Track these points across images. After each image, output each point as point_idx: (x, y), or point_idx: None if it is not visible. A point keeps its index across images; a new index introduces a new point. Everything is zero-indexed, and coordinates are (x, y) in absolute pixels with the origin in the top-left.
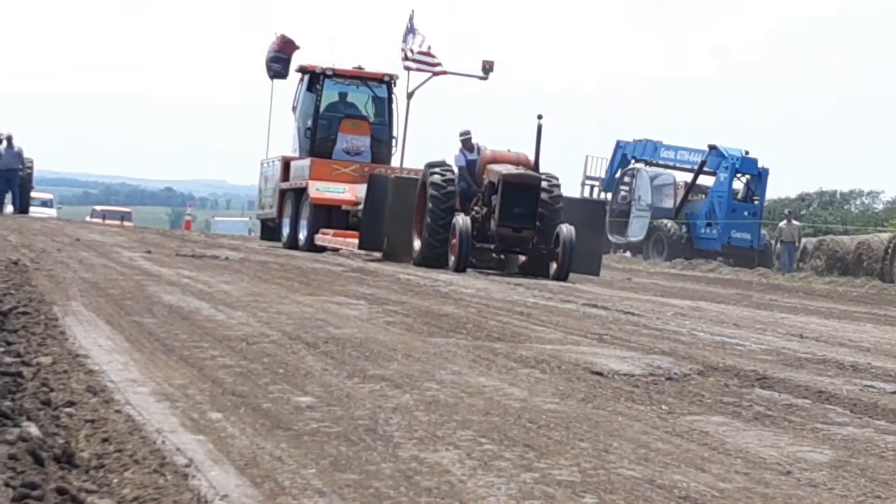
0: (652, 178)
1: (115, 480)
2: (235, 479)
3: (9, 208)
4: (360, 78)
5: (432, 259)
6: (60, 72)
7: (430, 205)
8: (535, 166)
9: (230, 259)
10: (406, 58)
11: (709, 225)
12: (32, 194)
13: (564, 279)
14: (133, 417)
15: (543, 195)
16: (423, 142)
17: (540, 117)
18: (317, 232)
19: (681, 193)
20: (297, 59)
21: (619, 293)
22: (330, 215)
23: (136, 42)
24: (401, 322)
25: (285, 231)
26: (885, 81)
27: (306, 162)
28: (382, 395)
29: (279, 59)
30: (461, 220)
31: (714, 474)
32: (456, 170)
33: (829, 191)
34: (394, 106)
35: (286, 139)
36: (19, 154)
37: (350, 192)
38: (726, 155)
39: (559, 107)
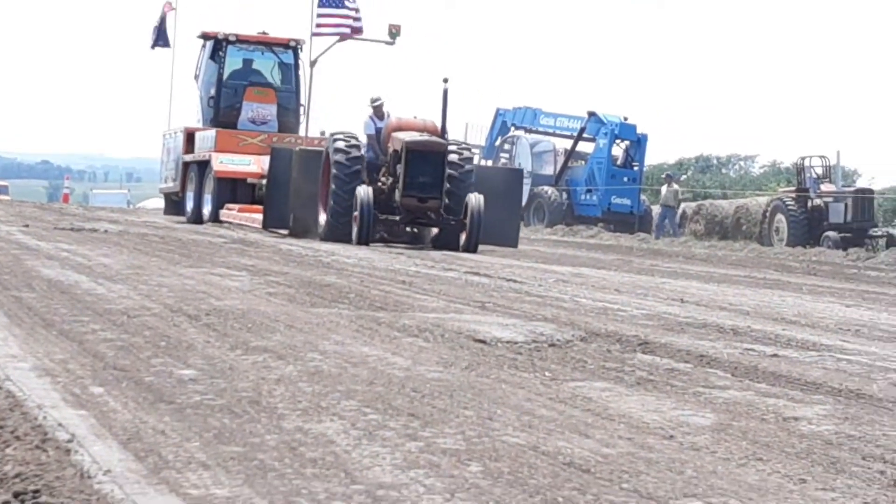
0: (532, 146)
1: None
2: (118, 453)
3: None
4: (264, 44)
5: (338, 233)
6: None
7: (333, 176)
8: (442, 133)
9: (109, 232)
10: (319, 24)
11: (589, 191)
12: None
13: (474, 250)
14: (13, 393)
15: (452, 163)
16: (330, 111)
17: (445, 81)
18: (222, 207)
19: (561, 160)
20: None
21: (501, 261)
22: (235, 189)
23: (7, 14)
24: (283, 293)
25: (189, 206)
26: (760, 48)
27: (211, 133)
28: (266, 366)
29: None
30: (363, 191)
31: (598, 440)
32: (364, 138)
33: (707, 156)
34: (301, 72)
35: (187, 110)
36: None
37: (256, 165)
38: (605, 121)
39: (459, 72)
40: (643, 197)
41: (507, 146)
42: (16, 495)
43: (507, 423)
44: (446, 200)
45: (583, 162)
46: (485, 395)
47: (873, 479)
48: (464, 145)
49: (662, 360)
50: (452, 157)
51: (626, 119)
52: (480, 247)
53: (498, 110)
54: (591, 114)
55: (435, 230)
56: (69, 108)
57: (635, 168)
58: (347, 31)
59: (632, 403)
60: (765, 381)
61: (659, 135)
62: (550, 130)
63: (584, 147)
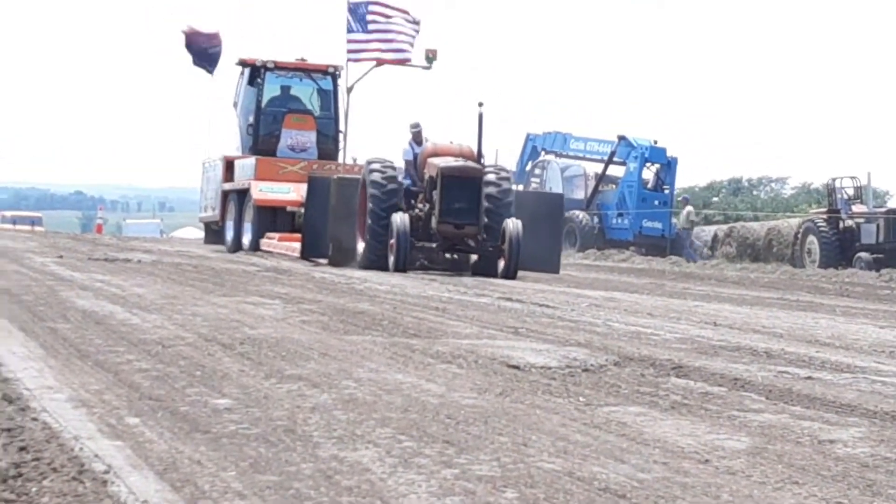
0: (562, 170)
1: (34, 489)
2: (155, 484)
3: None
4: (303, 70)
5: (376, 261)
6: None
7: (370, 204)
8: (478, 158)
9: (143, 262)
10: (352, 49)
11: (620, 215)
12: None
13: (513, 277)
14: (50, 425)
15: (491, 189)
16: (369, 137)
17: (481, 105)
18: (262, 235)
19: (591, 184)
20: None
21: (533, 286)
22: (275, 217)
23: (39, 45)
24: (316, 321)
25: (229, 235)
26: (789, 72)
27: (251, 161)
28: (300, 394)
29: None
30: (398, 219)
31: (633, 465)
32: (403, 164)
33: (738, 178)
34: (339, 99)
35: (226, 138)
36: None
37: (296, 192)
38: (635, 145)
39: (490, 97)
40: (674, 220)
41: (537, 171)
42: None
43: (541, 449)
44: (485, 227)
45: (613, 186)
46: (519, 421)
47: None
48: (503, 171)
49: (696, 383)
50: (490, 185)
51: (656, 142)
52: (521, 273)
53: (528, 135)
54: (622, 137)
55: (475, 257)
56: (101, 139)
57: (666, 191)
58: (381, 56)
59: (666, 428)
60: (799, 403)
61: (690, 158)
62: (581, 155)
63: (615, 171)
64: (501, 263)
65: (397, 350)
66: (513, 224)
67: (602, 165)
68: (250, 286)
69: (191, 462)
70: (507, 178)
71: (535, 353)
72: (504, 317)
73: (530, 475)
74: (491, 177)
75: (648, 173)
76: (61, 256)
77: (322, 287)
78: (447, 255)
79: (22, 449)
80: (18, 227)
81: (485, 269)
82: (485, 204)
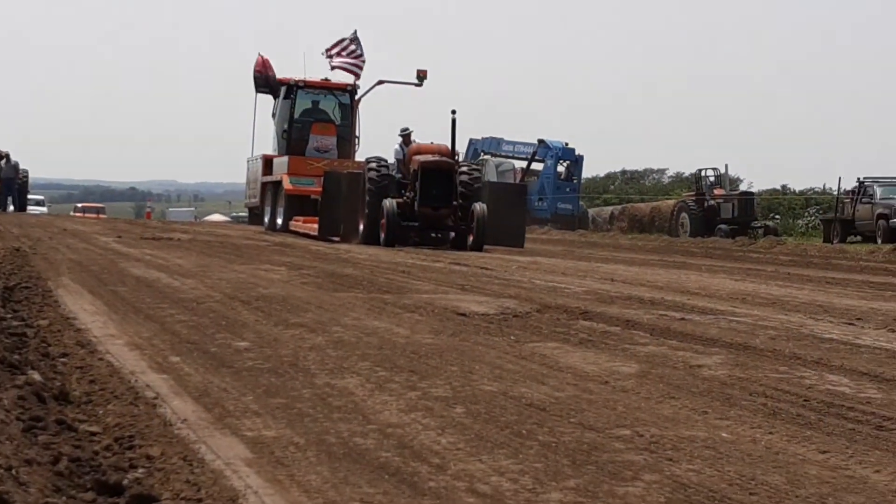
0: (497, 166)
1: (101, 412)
2: (192, 406)
3: (10, 208)
4: (327, 88)
5: (371, 237)
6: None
7: (367, 191)
8: (452, 154)
9: (181, 240)
10: (332, 63)
11: (540, 199)
12: (28, 196)
13: (479, 249)
14: (112, 363)
15: (464, 179)
16: (377, 141)
17: (454, 112)
18: (291, 218)
19: (519, 177)
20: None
21: (476, 253)
22: (302, 204)
23: (107, 78)
24: (313, 282)
25: (266, 217)
26: (666, 83)
27: (284, 159)
28: (301, 337)
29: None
30: (388, 203)
31: (551, 386)
32: (394, 161)
33: (629, 170)
34: (356, 110)
35: (264, 140)
36: (16, 167)
37: (318, 185)
38: (551, 147)
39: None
40: (581, 202)
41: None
42: (116, 440)
43: (483, 376)
44: (458, 210)
45: (535, 178)
46: (466, 355)
47: (758, 409)
48: (473, 165)
49: (598, 324)
50: (464, 176)
51: (567, 144)
52: (490, 246)
53: (470, 140)
54: (541, 141)
55: (453, 234)
56: (149, 147)
57: (574, 181)
58: (355, 66)
59: (576, 358)
60: (675, 338)
61: (593, 154)
62: (511, 154)
63: (537, 166)
64: (470, 239)
65: (374, 303)
66: (479, 207)
67: (526, 162)
68: (262, 257)
69: (219, 389)
70: (477, 172)
71: (478, 303)
72: (454, 277)
73: (474, 395)
74: (464, 170)
75: (561, 168)
76: (120, 237)
77: (317, 257)
78: (432, 234)
79: (91, 381)
80: (87, 214)
81: (460, 245)
82: (460, 189)
